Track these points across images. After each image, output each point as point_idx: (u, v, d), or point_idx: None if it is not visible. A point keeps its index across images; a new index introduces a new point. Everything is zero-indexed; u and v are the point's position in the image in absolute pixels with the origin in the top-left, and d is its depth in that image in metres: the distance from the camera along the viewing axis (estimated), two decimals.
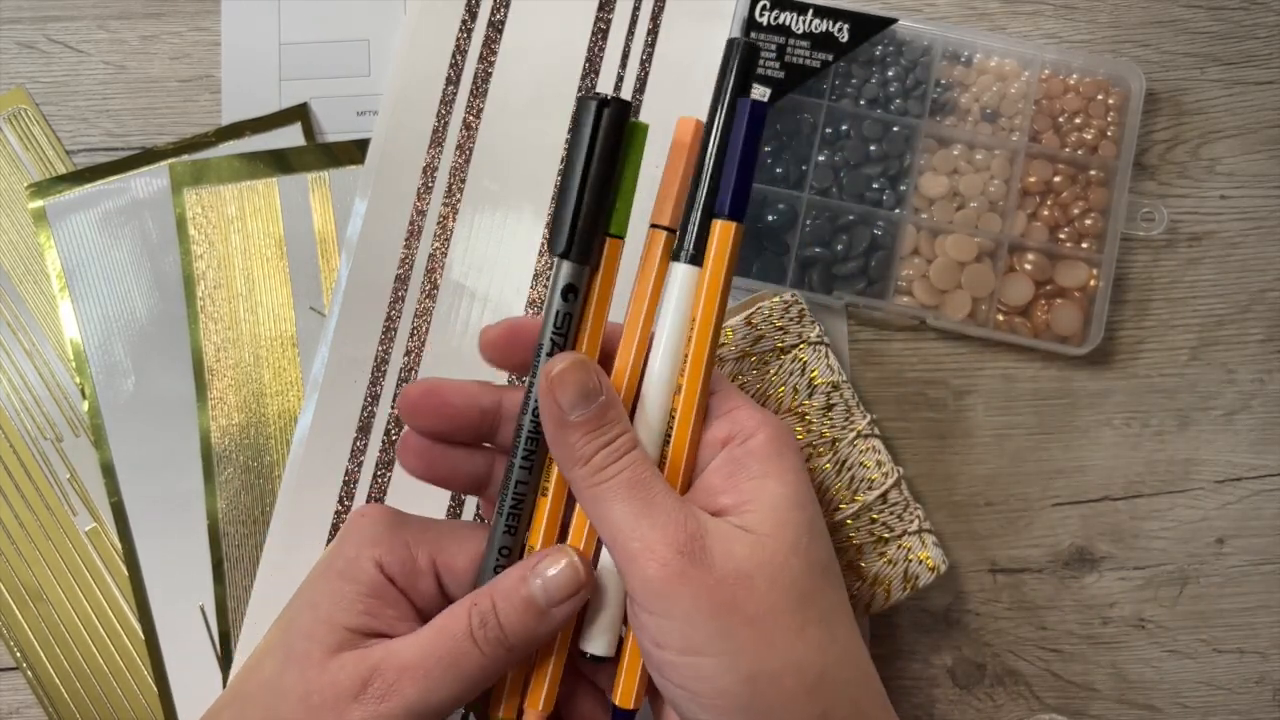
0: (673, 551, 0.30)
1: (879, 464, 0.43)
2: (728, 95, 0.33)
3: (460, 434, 0.36)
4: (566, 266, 0.33)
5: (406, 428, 0.36)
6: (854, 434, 0.43)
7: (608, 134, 0.32)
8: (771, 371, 0.43)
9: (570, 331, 0.33)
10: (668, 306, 0.34)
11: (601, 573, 0.34)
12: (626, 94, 0.49)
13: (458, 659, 0.31)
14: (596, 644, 0.34)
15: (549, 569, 0.32)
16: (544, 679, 0.34)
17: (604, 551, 0.34)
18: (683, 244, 0.34)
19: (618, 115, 0.32)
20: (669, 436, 0.33)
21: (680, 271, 0.33)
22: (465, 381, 0.36)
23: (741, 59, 0.33)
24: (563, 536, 0.34)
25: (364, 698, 0.31)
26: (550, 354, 0.33)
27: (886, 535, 0.42)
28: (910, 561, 0.42)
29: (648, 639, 0.31)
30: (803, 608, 0.31)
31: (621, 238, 0.34)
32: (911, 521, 0.43)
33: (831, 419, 0.43)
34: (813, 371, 0.43)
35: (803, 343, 0.43)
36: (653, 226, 0.34)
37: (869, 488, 0.42)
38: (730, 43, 0.34)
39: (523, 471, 0.34)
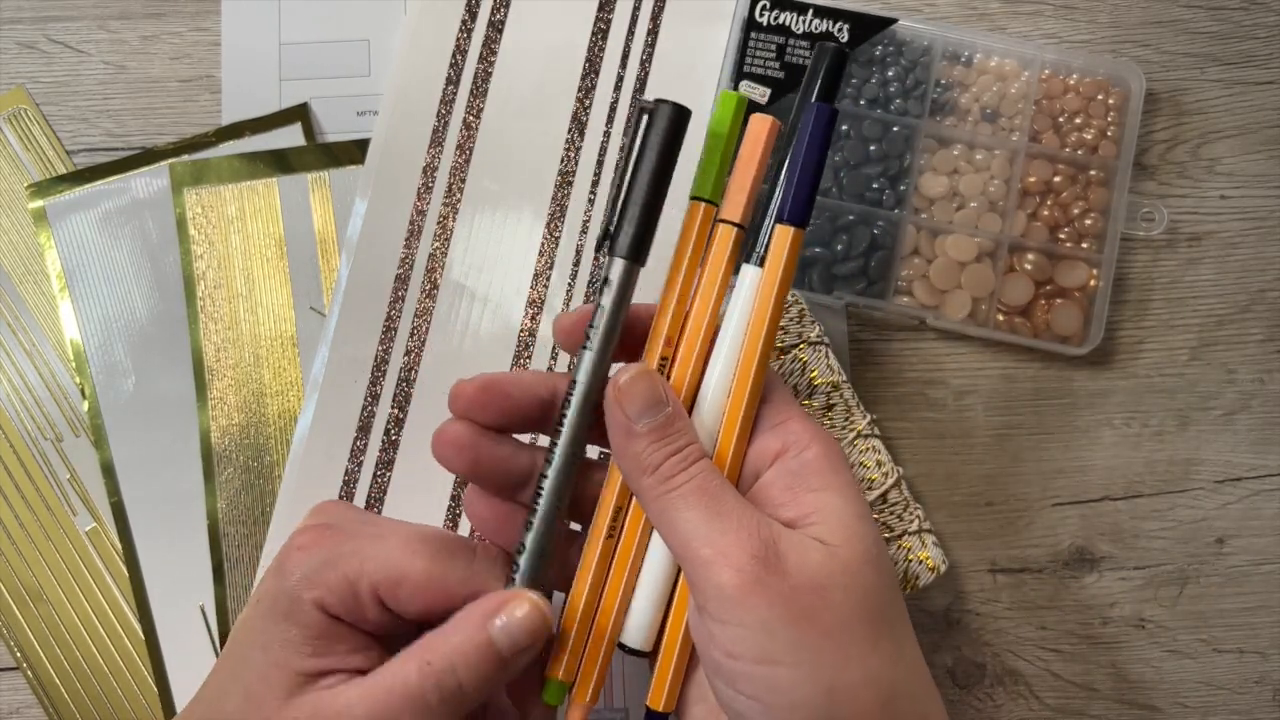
0: (748, 558, 0.30)
1: (879, 464, 0.43)
2: (813, 98, 0.33)
3: (517, 425, 0.35)
4: (620, 265, 0.33)
5: (445, 421, 0.35)
6: (854, 434, 0.43)
7: (663, 141, 0.32)
8: None
9: (606, 327, 0.33)
10: (734, 310, 0.33)
11: (651, 568, 0.33)
12: (626, 94, 0.49)
13: (413, 713, 0.30)
14: (635, 637, 0.33)
15: (517, 610, 0.31)
16: (592, 672, 0.33)
17: (653, 546, 0.34)
18: (754, 247, 0.33)
19: (673, 122, 0.32)
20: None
21: (752, 275, 0.33)
22: (521, 373, 0.36)
23: (829, 65, 0.33)
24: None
25: None
26: (584, 348, 0.33)
27: (886, 535, 0.42)
28: (910, 561, 0.42)
29: (719, 650, 0.30)
30: (875, 620, 0.31)
31: (716, 203, 0.34)
32: (911, 521, 0.43)
33: (831, 419, 0.43)
34: (813, 371, 0.43)
35: (803, 343, 0.43)
36: (721, 221, 0.34)
37: (869, 488, 0.42)
38: (819, 48, 0.34)
39: (559, 476, 0.33)
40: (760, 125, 0.33)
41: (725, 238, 0.33)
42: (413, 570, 0.32)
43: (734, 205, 0.33)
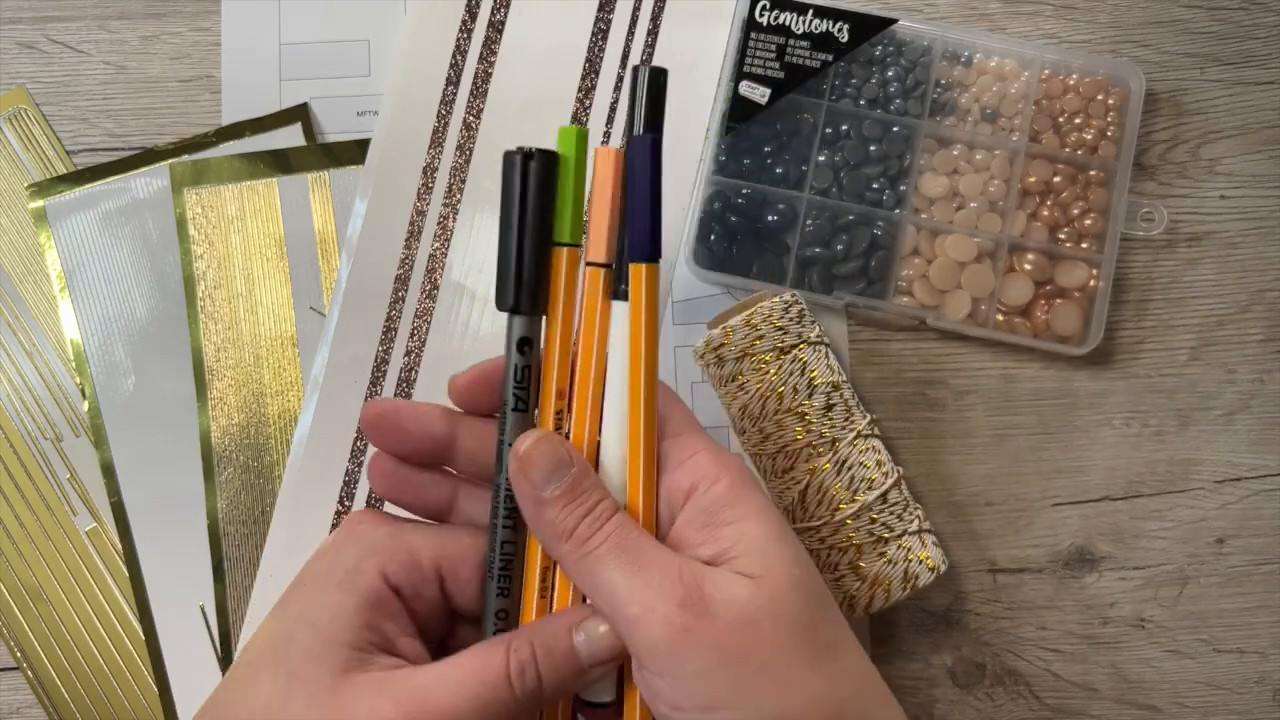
0: (674, 608, 0.29)
1: (879, 464, 0.43)
2: (638, 129, 0.32)
3: (415, 458, 0.35)
4: (518, 320, 0.32)
5: (374, 449, 0.35)
6: (854, 434, 0.43)
7: (539, 187, 0.31)
8: (771, 371, 0.43)
9: (531, 384, 0.32)
10: (613, 350, 0.32)
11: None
12: (627, 94, 0.49)
13: (490, 704, 0.30)
14: (599, 690, 0.33)
15: (598, 627, 0.31)
16: None
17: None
18: (620, 282, 0.32)
19: (544, 167, 0.31)
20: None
21: (621, 311, 0.32)
22: (424, 406, 0.35)
23: (649, 87, 0.32)
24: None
25: None
26: (515, 409, 0.32)
27: (886, 535, 0.42)
28: (910, 561, 0.42)
29: (663, 703, 0.30)
30: (810, 642, 0.31)
31: (578, 246, 0.33)
32: (911, 521, 0.43)
33: (831, 419, 0.43)
34: (813, 371, 0.43)
35: (803, 343, 0.43)
36: (589, 265, 0.33)
37: (869, 488, 0.42)
38: (634, 70, 0.32)
39: (506, 531, 0.33)
40: (604, 159, 0.33)
41: (593, 280, 0.33)
42: (473, 557, 0.33)
43: (596, 245, 0.33)
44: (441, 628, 0.34)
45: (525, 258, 0.32)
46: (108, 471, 0.47)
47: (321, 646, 0.30)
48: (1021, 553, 0.48)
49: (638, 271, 0.31)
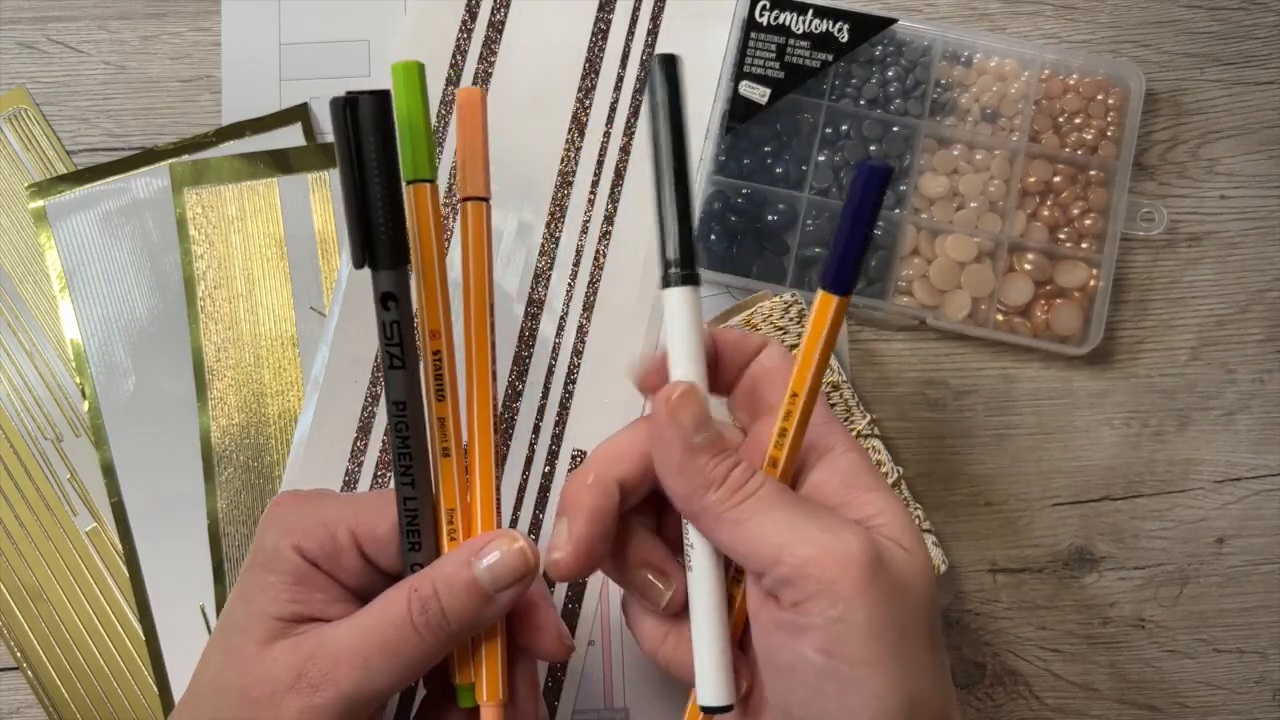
0: (859, 552, 0.28)
1: (879, 464, 0.43)
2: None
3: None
4: (381, 276, 0.31)
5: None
6: (854, 434, 0.43)
7: (375, 131, 0.30)
8: None
9: (404, 338, 0.32)
10: (672, 340, 0.32)
11: (697, 615, 0.32)
12: (627, 94, 0.49)
13: (396, 645, 0.31)
14: (714, 694, 0.32)
15: (493, 553, 0.32)
16: (496, 667, 0.33)
17: (695, 605, 0.32)
18: (669, 265, 0.32)
19: (375, 111, 0.29)
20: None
21: (678, 298, 0.31)
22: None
23: (666, 79, 0.31)
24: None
25: (299, 687, 0.31)
26: (392, 366, 0.32)
27: None
28: None
29: (810, 645, 0.29)
30: (936, 627, 0.30)
31: (431, 181, 0.32)
32: None
33: None
34: None
35: None
36: (465, 200, 0.33)
37: None
38: (650, 61, 0.32)
39: (406, 487, 0.33)
40: (466, 96, 0.33)
41: (477, 214, 0.33)
42: (389, 517, 0.33)
43: (474, 180, 0.33)
44: (378, 590, 0.34)
45: (373, 209, 0.30)
46: (108, 471, 0.47)
47: (250, 620, 0.32)
48: (1021, 553, 0.48)
49: (828, 302, 0.31)
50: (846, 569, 0.28)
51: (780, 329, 0.43)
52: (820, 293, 0.31)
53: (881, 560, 0.29)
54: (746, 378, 0.34)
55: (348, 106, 0.30)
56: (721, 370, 0.34)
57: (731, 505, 0.30)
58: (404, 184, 0.32)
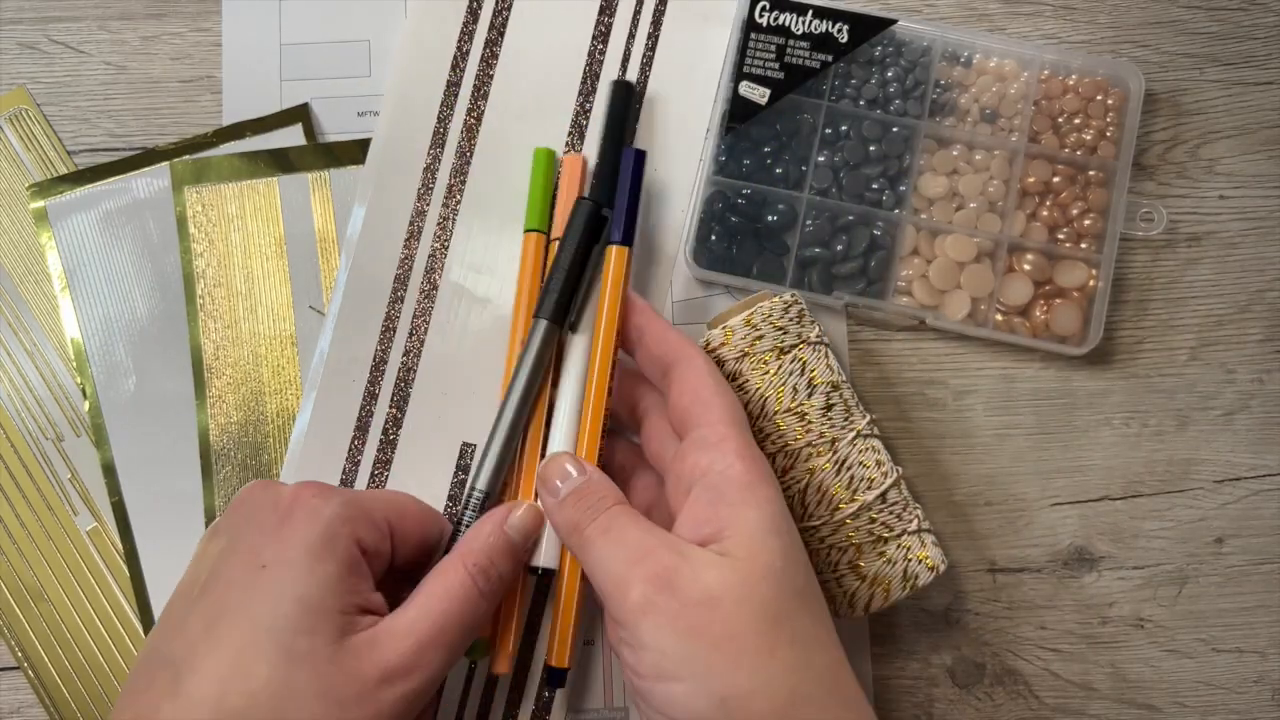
0: (641, 582, 0.33)
1: (878, 464, 0.43)
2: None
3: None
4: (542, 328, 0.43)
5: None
6: (854, 434, 0.43)
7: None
8: (771, 371, 0.43)
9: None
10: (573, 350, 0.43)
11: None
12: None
13: (469, 616, 0.34)
14: (543, 556, 0.39)
15: (516, 512, 0.38)
16: (510, 627, 0.40)
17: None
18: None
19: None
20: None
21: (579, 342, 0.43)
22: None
23: (614, 101, 0.43)
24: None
25: (391, 679, 0.32)
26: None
27: (886, 535, 0.42)
28: (910, 561, 0.42)
29: (628, 670, 0.33)
30: (773, 629, 0.32)
31: (544, 232, 0.45)
32: (911, 521, 0.43)
33: (831, 419, 0.43)
34: (813, 371, 0.43)
35: (802, 343, 0.43)
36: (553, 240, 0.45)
37: (868, 487, 0.42)
38: (611, 84, 0.43)
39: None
40: (572, 162, 0.46)
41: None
42: (411, 503, 0.39)
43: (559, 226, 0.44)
44: (378, 581, 0.36)
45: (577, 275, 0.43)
46: (108, 471, 0.47)
47: (313, 618, 0.31)
48: (1021, 552, 0.48)
49: (621, 253, 0.42)
50: (630, 596, 0.33)
51: (780, 329, 0.43)
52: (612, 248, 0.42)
53: (666, 581, 0.33)
54: (675, 398, 0.39)
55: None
56: (640, 361, 0.42)
57: (577, 544, 0.36)
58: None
